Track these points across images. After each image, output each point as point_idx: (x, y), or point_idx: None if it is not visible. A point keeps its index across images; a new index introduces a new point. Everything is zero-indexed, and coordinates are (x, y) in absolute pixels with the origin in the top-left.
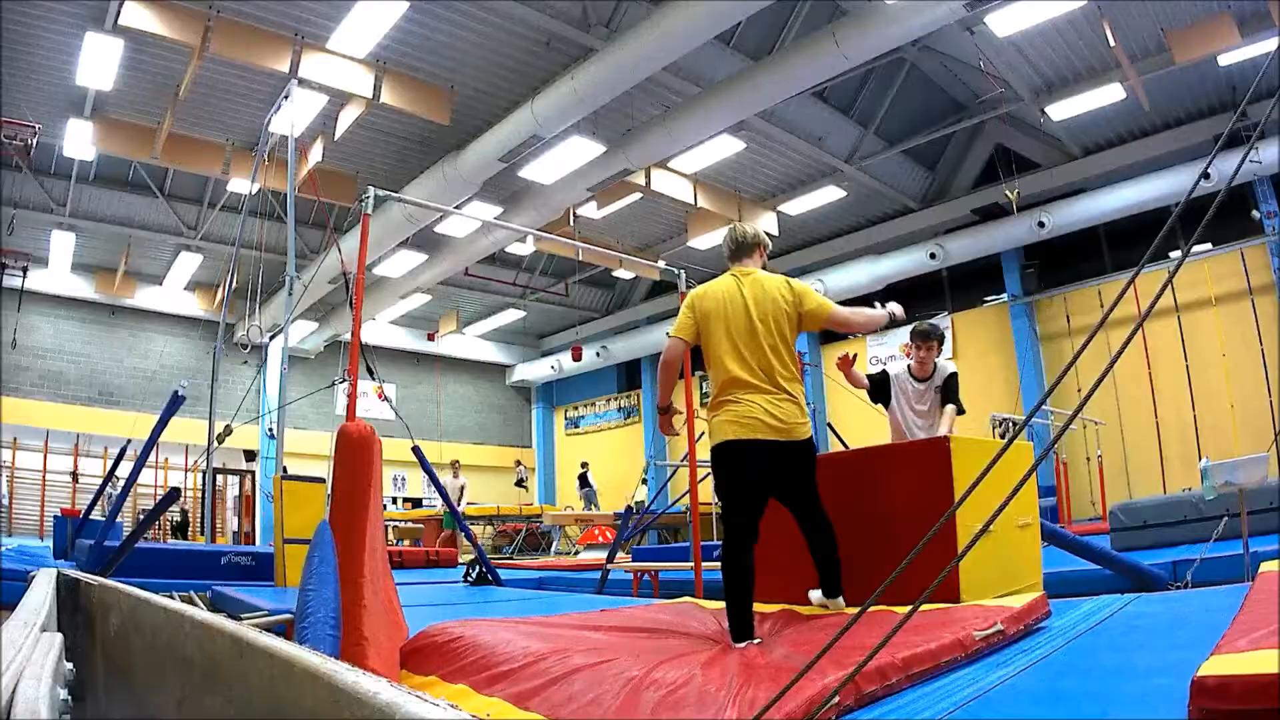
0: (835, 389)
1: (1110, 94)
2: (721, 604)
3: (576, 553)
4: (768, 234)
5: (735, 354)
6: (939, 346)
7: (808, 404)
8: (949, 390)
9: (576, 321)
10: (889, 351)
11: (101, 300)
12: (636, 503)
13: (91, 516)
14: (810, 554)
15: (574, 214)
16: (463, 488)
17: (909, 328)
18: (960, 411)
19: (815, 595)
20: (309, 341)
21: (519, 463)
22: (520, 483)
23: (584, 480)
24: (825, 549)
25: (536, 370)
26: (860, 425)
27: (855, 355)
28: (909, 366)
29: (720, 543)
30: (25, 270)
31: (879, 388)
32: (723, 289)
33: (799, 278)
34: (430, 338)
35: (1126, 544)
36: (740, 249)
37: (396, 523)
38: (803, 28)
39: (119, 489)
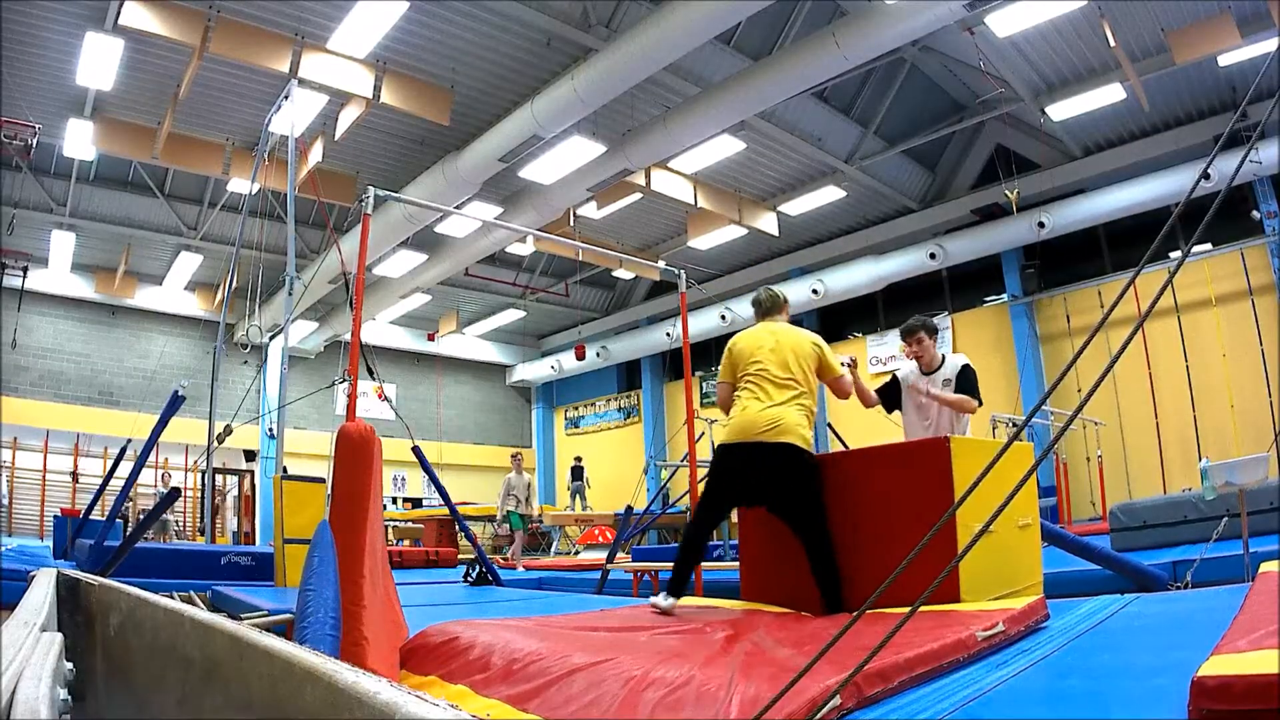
0: None
1: (1110, 94)
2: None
3: (576, 553)
4: (767, 234)
5: (754, 376)
6: (931, 337)
7: None
8: (963, 385)
9: (577, 321)
10: (889, 351)
11: (101, 300)
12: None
13: (91, 516)
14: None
15: (574, 214)
16: (529, 485)
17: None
18: (978, 403)
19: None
20: (309, 341)
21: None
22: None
23: (577, 474)
24: (818, 565)
25: (536, 370)
26: (860, 425)
27: (855, 360)
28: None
29: (719, 543)
30: (25, 270)
31: (890, 395)
32: (753, 335)
33: (799, 278)
34: (430, 338)
35: (1126, 544)
36: (772, 309)
37: (396, 523)
38: (803, 28)
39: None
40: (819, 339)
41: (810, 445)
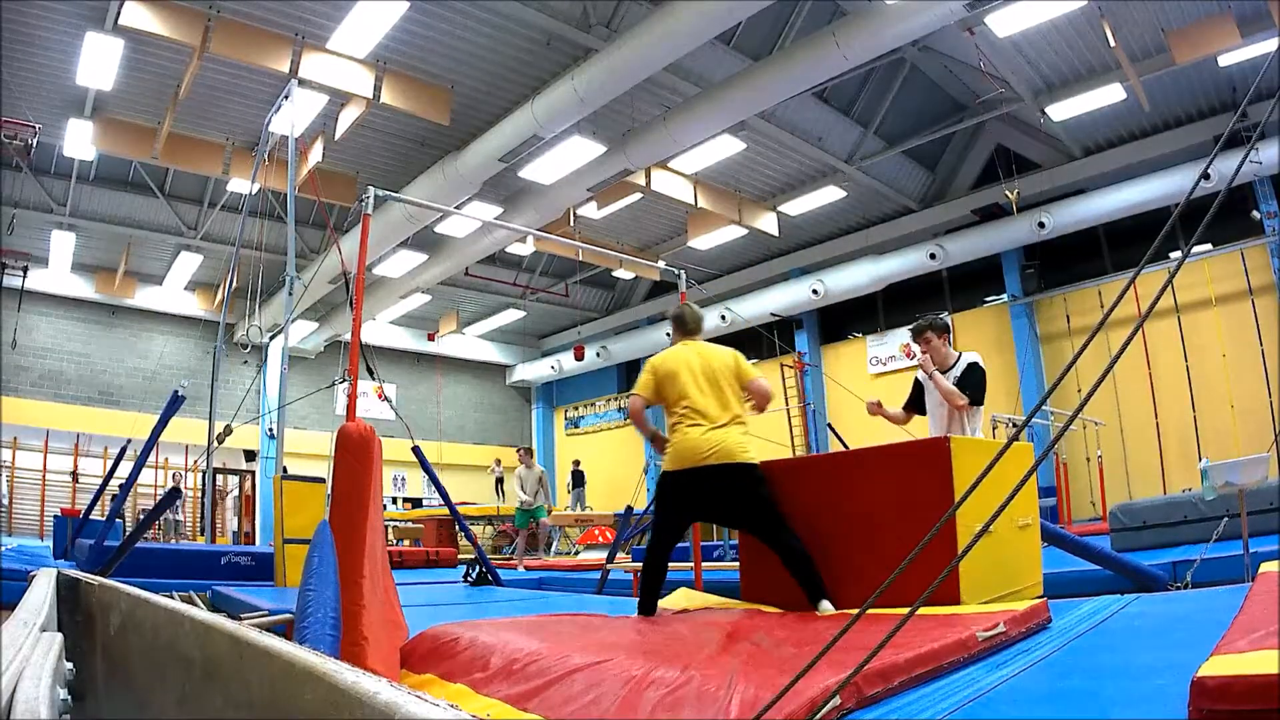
0: (835, 389)
1: (1110, 94)
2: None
3: (576, 553)
4: (767, 234)
5: (689, 401)
6: (940, 336)
7: (807, 403)
8: (964, 382)
9: (577, 321)
10: (889, 351)
11: (101, 300)
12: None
13: (91, 516)
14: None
15: (574, 214)
16: (541, 479)
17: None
18: (975, 402)
19: (825, 605)
20: (309, 341)
21: (498, 461)
22: (500, 483)
23: (578, 479)
24: (792, 564)
25: (536, 370)
26: (860, 425)
27: (880, 401)
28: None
29: (719, 543)
30: (25, 270)
31: (917, 401)
32: (677, 354)
33: (799, 278)
34: (430, 338)
35: (1126, 544)
36: (697, 329)
37: (396, 523)
38: (803, 28)
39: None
40: (734, 350)
41: (753, 459)
